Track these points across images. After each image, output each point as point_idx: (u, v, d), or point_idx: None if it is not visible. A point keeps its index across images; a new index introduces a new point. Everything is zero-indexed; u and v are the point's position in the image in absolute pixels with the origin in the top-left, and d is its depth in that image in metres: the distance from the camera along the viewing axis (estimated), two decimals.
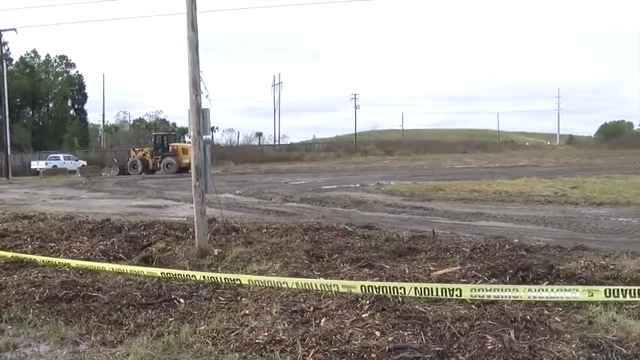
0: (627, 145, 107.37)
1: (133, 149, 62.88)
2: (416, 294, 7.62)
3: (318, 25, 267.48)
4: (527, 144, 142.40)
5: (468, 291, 7.51)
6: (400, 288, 7.63)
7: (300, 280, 8.39)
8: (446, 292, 7.55)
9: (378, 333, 6.33)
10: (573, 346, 6.00)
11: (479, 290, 7.62)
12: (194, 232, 11.63)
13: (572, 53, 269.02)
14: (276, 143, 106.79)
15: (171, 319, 7.31)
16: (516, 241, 12.45)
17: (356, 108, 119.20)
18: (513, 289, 7.46)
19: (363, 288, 7.64)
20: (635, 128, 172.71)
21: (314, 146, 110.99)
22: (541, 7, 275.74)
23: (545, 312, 7.18)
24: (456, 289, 7.63)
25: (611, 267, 9.71)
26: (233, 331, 6.67)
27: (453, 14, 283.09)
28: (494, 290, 7.62)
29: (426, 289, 7.65)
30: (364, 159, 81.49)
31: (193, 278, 9.14)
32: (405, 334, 6.33)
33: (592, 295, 7.03)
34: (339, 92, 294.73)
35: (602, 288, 7.14)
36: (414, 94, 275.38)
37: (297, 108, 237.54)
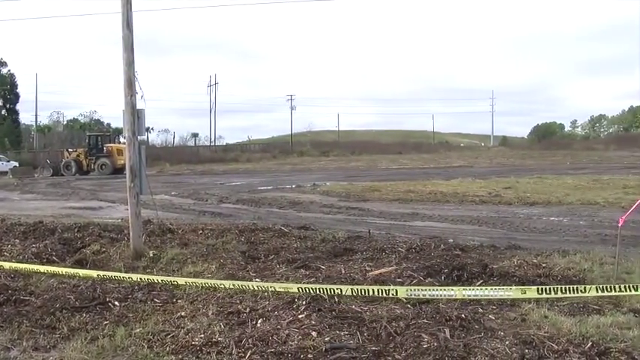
0: (559, 146, 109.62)
1: (67, 150, 61.71)
2: (352, 294, 7.66)
3: (254, 26, 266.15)
4: (461, 145, 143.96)
5: (403, 291, 7.57)
6: (337, 289, 7.66)
7: (237, 283, 8.36)
8: (382, 292, 7.60)
9: (314, 333, 6.34)
10: (507, 343, 6.11)
11: (415, 290, 7.69)
12: (129, 233, 11.50)
13: (506, 55, 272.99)
14: (212, 144, 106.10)
15: (105, 323, 7.21)
16: (451, 240, 12.59)
17: (292, 109, 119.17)
18: (449, 289, 7.54)
19: (300, 289, 7.66)
20: (566, 129, 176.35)
21: (250, 147, 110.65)
22: (475, 10, 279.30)
23: (480, 310, 7.29)
24: (392, 290, 7.69)
25: (544, 265, 9.93)
26: (169, 334, 6.62)
27: (388, 16, 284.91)
28: (430, 290, 7.69)
29: (363, 290, 7.69)
30: (300, 160, 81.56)
31: (130, 280, 9.05)
32: (342, 334, 6.36)
33: (525, 293, 7.16)
34: (275, 93, 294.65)
35: (534, 287, 7.27)
36: (349, 95, 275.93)
37: (233, 109, 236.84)
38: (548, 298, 7.52)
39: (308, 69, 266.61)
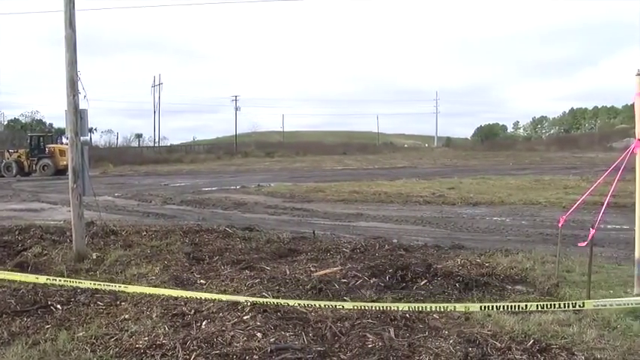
0: (502, 146, 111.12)
1: (7, 151, 60.44)
2: (299, 307, 7.65)
3: (199, 26, 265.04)
4: (406, 146, 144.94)
5: (350, 306, 7.58)
6: (285, 303, 7.65)
7: (184, 293, 8.25)
8: (330, 306, 7.60)
9: (259, 334, 6.32)
10: (451, 341, 6.16)
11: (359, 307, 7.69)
12: (71, 235, 11.34)
13: (450, 57, 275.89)
14: (156, 145, 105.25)
15: (47, 326, 7.07)
16: (395, 240, 12.68)
17: (236, 109, 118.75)
18: (394, 306, 7.57)
19: (247, 302, 7.61)
20: (509, 131, 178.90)
21: (194, 148, 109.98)
22: (419, 11, 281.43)
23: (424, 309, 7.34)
24: (339, 305, 7.68)
25: (487, 264, 10.05)
26: (112, 337, 6.52)
27: (334, 16, 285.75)
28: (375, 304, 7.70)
29: (310, 305, 7.69)
30: (245, 160, 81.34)
31: (78, 285, 8.91)
32: (287, 334, 6.35)
33: (468, 309, 7.23)
34: (220, 93, 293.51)
35: (477, 304, 7.34)
36: (294, 95, 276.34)
37: (178, 109, 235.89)
38: (490, 297, 7.62)
39: (253, 69, 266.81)
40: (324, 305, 7.23)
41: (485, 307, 6.67)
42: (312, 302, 7.56)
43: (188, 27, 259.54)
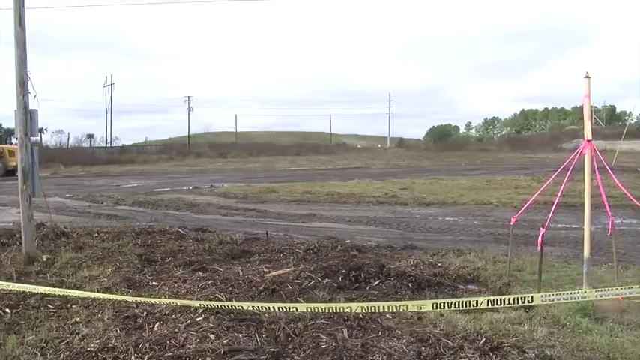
0: (454, 147, 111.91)
1: None
2: (252, 309, 7.62)
3: (152, 26, 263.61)
4: (359, 147, 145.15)
5: (303, 308, 7.57)
6: (239, 306, 7.61)
7: (143, 299, 8.17)
8: (284, 309, 7.58)
9: (212, 336, 6.30)
10: (404, 341, 6.20)
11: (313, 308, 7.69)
12: (21, 237, 11.19)
13: (402, 58, 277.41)
14: (108, 145, 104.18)
15: None
16: (348, 241, 12.71)
17: (189, 110, 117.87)
18: (347, 307, 7.57)
19: (202, 305, 7.55)
20: (461, 132, 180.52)
21: (147, 148, 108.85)
22: (371, 13, 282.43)
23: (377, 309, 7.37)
24: (293, 307, 7.67)
25: (439, 264, 10.13)
26: (63, 340, 6.44)
27: (287, 17, 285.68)
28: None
29: (263, 307, 7.66)
30: (197, 161, 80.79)
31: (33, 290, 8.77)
32: (240, 336, 6.33)
33: (421, 308, 7.27)
34: (173, 94, 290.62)
35: (430, 301, 7.39)
36: (247, 96, 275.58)
37: (130, 110, 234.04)
38: (443, 297, 7.67)
39: (206, 70, 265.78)
40: (278, 308, 7.23)
41: (437, 304, 6.71)
42: (266, 304, 7.56)
43: (141, 26, 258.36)
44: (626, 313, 7.45)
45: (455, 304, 6.84)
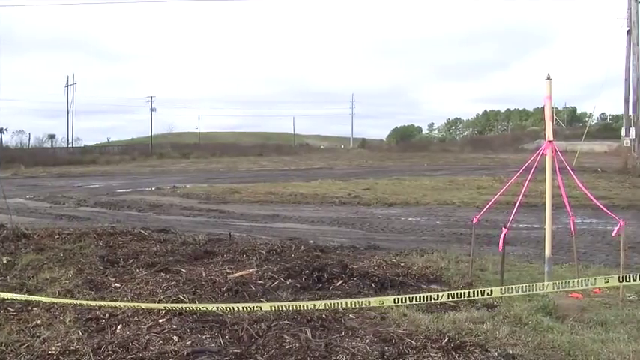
0: (417, 148, 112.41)
1: None
2: (217, 310, 7.60)
3: (114, 25, 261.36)
4: (322, 147, 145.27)
5: (267, 307, 7.56)
6: (203, 307, 7.58)
7: (105, 303, 8.08)
8: (247, 309, 7.56)
9: (175, 338, 6.26)
10: (367, 341, 6.21)
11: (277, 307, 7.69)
12: None
13: (365, 59, 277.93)
14: (70, 146, 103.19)
15: None
16: (312, 241, 12.73)
17: (152, 110, 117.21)
18: (311, 305, 7.58)
19: (166, 307, 7.50)
20: (424, 132, 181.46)
21: (109, 149, 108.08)
22: (334, 13, 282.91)
23: (341, 310, 7.38)
24: (257, 306, 7.65)
25: (402, 264, 10.17)
26: (24, 343, 6.34)
27: (249, 17, 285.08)
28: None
29: (227, 308, 7.64)
30: (160, 162, 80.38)
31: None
32: (203, 337, 6.30)
33: (382, 303, 7.29)
34: (136, 94, 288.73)
35: (391, 297, 7.42)
36: (210, 97, 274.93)
37: (92, 110, 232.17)
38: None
39: (169, 70, 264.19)
40: (242, 307, 7.20)
41: (398, 299, 6.73)
42: (230, 305, 7.53)
43: (104, 26, 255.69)
44: (586, 311, 7.55)
45: (415, 298, 6.88)
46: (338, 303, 6.92)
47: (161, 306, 7.39)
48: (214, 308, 7.23)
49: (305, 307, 7.06)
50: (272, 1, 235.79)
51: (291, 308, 7.09)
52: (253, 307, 7.05)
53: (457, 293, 6.50)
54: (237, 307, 7.26)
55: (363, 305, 7.25)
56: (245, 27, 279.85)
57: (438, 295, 6.56)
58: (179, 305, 7.42)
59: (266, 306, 7.28)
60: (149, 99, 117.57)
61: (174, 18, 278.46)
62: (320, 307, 7.19)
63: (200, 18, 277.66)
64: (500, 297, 7.91)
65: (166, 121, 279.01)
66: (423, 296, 6.95)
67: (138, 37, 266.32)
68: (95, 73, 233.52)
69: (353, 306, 7.34)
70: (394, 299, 6.52)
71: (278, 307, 7.18)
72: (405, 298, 6.53)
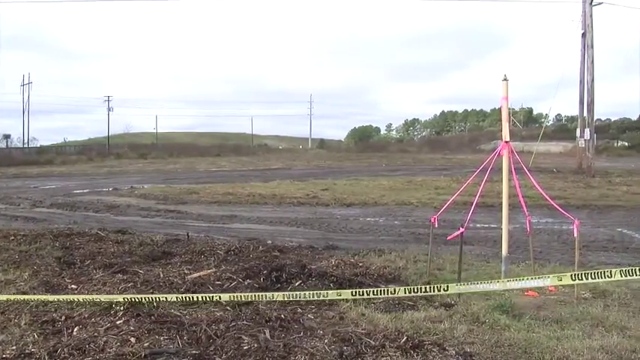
0: (375, 148, 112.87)
1: None
2: (177, 300, 7.56)
3: (72, 24, 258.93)
4: (280, 147, 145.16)
5: (226, 297, 7.56)
6: (162, 297, 7.55)
7: (60, 297, 8.02)
8: (206, 299, 7.55)
9: (133, 339, 6.22)
10: (326, 341, 6.22)
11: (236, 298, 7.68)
12: None
13: (324, 60, 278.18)
14: (25, 146, 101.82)
15: None
16: (270, 242, 12.70)
17: (109, 110, 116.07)
18: (270, 296, 7.59)
19: (125, 299, 7.46)
20: (382, 133, 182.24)
21: (66, 149, 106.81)
22: (291, 13, 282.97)
23: (299, 310, 7.40)
24: (216, 297, 7.65)
25: (360, 264, 10.20)
26: None
27: (207, 16, 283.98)
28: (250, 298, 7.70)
29: (186, 298, 7.61)
30: (118, 162, 79.65)
31: None
32: (161, 339, 6.26)
33: (340, 295, 7.32)
34: (92, 94, 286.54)
35: (348, 290, 7.46)
36: (168, 97, 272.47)
37: (48, 109, 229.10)
38: (364, 298, 7.75)
39: (126, 70, 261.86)
40: (202, 298, 7.19)
41: (355, 292, 6.76)
42: (190, 295, 7.51)
43: (61, 25, 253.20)
44: (542, 309, 7.65)
45: (373, 292, 6.92)
46: (296, 294, 6.95)
47: (120, 297, 7.36)
48: (174, 298, 7.22)
49: (264, 298, 7.10)
50: (229, 1, 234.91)
51: (250, 299, 7.12)
52: (212, 297, 7.05)
53: (414, 289, 6.56)
54: (197, 298, 7.26)
55: (322, 297, 7.27)
56: (203, 27, 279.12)
57: (395, 290, 6.60)
58: (139, 296, 7.39)
59: (225, 296, 7.30)
60: (106, 99, 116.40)
61: (132, 17, 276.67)
62: (279, 299, 7.24)
63: (158, 17, 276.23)
64: (458, 296, 8.00)
65: (124, 121, 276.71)
66: (381, 290, 7.00)
67: (95, 36, 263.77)
68: (51, 73, 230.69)
69: (312, 298, 7.37)
70: (352, 292, 6.56)
71: (237, 297, 7.21)
72: (363, 291, 6.58)
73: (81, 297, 7.73)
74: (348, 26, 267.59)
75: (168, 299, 7.20)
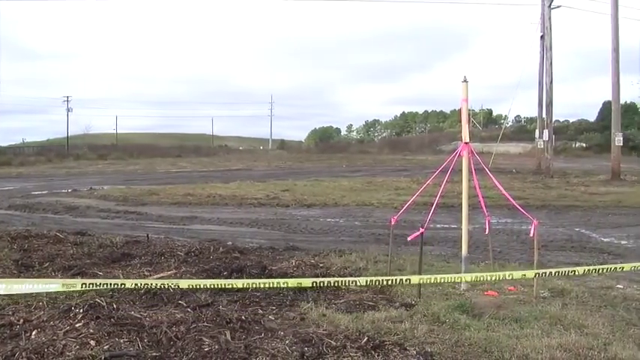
0: (335, 149, 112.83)
1: None
2: (134, 286, 7.50)
3: (30, 23, 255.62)
4: (241, 148, 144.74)
5: (185, 285, 7.53)
6: (121, 284, 7.48)
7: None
8: (165, 286, 7.50)
9: (93, 342, 6.16)
10: (287, 342, 6.21)
11: (196, 286, 7.65)
12: None
13: (284, 60, 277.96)
14: None
15: None
16: (230, 243, 12.67)
17: (68, 110, 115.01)
18: (229, 285, 7.58)
19: (84, 285, 7.34)
20: (342, 134, 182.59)
21: (24, 150, 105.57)
22: (253, 14, 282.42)
23: (260, 311, 7.40)
24: (175, 284, 7.62)
25: (321, 265, 10.23)
26: None
27: (165, 16, 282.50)
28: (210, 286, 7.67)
29: (146, 285, 7.55)
30: (77, 163, 78.76)
31: None
32: (121, 341, 6.21)
33: (301, 284, 7.32)
34: (51, 94, 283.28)
35: (309, 280, 7.46)
36: (128, 97, 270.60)
37: (5, 109, 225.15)
38: (325, 297, 7.77)
39: (85, 70, 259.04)
40: (160, 285, 7.13)
41: (316, 282, 6.76)
42: (145, 281, 7.45)
43: (18, 23, 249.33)
44: (502, 308, 7.72)
45: (332, 283, 6.92)
46: (255, 283, 6.94)
47: (78, 282, 7.27)
48: (133, 285, 7.16)
49: (223, 285, 7.08)
50: (190, 2, 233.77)
51: (210, 286, 7.10)
52: (170, 283, 7.02)
53: (375, 280, 6.58)
54: (155, 284, 7.22)
55: (282, 285, 7.24)
56: (164, 27, 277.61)
57: (357, 282, 6.62)
58: (98, 281, 7.30)
59: (184, 284, 7.26)
60: (65, 99, 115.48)
61: (93, 16, 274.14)
62: (238, 286, 7.22)
63: (118, 17, 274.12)
64: (419, 296, 8.05)
65: (83, 121, 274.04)
66: (341, 281, 7.01)
67: (54, 35, 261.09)
68: (9, 72, 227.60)
69: (270, 286, 7.36)
70: (312, 282, 6.56)
71: (196, 285, 7.18)
72: (324, 282, 6.58)
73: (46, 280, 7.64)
74: (308, 27, 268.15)
75: (127, 285, 7.13)
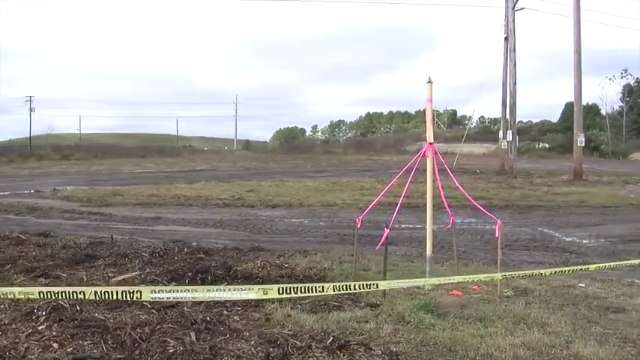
0: (300, 149, 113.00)
1: None
2: (96, 298, 7.44)
3: None
4: (205, 149, 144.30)
5: (147, 292, 7.47)
6: (80, 292, 7.41)
7: None
8: (126, 294, 7.45)
9: (56, 345, 6.10)
10: (252, 343, 6.21)
11: (159, 292, 7.60)
12: None
13: (249, 60, 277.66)
14: None
15: None
16: (195, 244, 12.60)
17: (31, 111, 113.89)
18: (192, 290, 7.54)
19: (42, 294, 7.28)
20: (307, 134, 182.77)
21: None
22: (218, 14, 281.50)
23: (225, 312, 7.38)
24: (137, 292, 7.56)
25: (286, 265, 10.21)
26: None
27: (130, 15, 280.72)
28: (174, 292, 7.63)
29: (106, 293, 7.49)
30: (40, 164, 77.95)
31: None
32: (85, 343, 6.16)
33: (267, 294, 7.32)
34: (13, 93, 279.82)
35: (275, 286, 7.46)
36: (91, 97, 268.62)
37: None
38: (290, 298, 7.76)
39: (48, 69, 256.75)
40: (122, 292, 7.09)
41: (282, 288, 6.74)
42: (109, 288, 7.40)
43: None
44: (466, 307, 7.78)
45: (300, 289, 6.93)
46: (220, 288, 6.92)
47: (36, 290, 7.20)
48: (92, 295, 7.10)
49: (187, 299, 7.03)
50: (153, 1, 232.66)
51: (171, 298, 7.05)
52: (131, 290, 6.97)
53: (342, 286, 6.59)
54: (117, 292, 7.16)
55: (246, 293, 7.24)
56: (126, 26, 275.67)
57: (323, 288, 6.63)
58: (55, 289, 7.23)
59: (146, 292, 7.21)
60: (28, 98, 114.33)
61: (55, 14, 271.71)
62: (201, 299, 7.16)
63: (81, 16, 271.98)
64: (384, 296, 8.08)
65: (46, 121, 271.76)
66: (308, 287, 7.01)
67: (15, 33, 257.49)
68: None
69: (234, 293, 7.34)
70: (278, 289, 6.56)
71: (158, 290, 7.12)
72: (290, 288, 6.59)
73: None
74: (274, 27, 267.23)
75: (87, 294, 7.08)
